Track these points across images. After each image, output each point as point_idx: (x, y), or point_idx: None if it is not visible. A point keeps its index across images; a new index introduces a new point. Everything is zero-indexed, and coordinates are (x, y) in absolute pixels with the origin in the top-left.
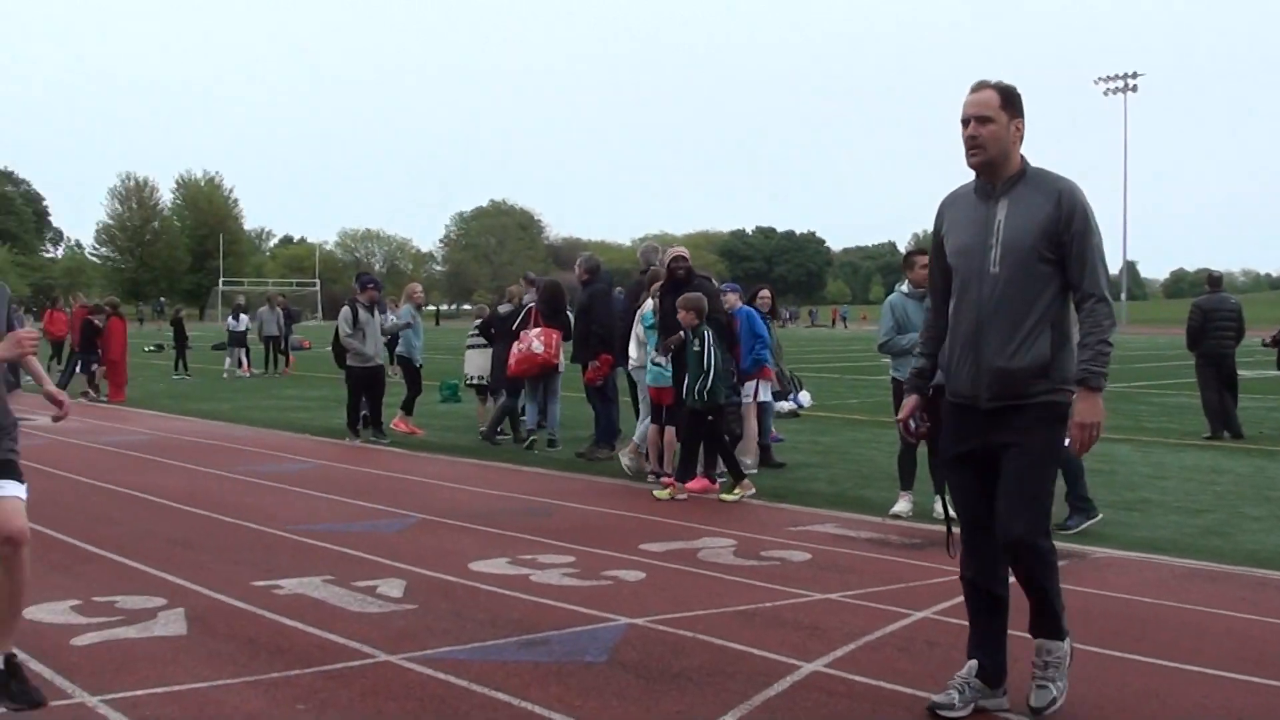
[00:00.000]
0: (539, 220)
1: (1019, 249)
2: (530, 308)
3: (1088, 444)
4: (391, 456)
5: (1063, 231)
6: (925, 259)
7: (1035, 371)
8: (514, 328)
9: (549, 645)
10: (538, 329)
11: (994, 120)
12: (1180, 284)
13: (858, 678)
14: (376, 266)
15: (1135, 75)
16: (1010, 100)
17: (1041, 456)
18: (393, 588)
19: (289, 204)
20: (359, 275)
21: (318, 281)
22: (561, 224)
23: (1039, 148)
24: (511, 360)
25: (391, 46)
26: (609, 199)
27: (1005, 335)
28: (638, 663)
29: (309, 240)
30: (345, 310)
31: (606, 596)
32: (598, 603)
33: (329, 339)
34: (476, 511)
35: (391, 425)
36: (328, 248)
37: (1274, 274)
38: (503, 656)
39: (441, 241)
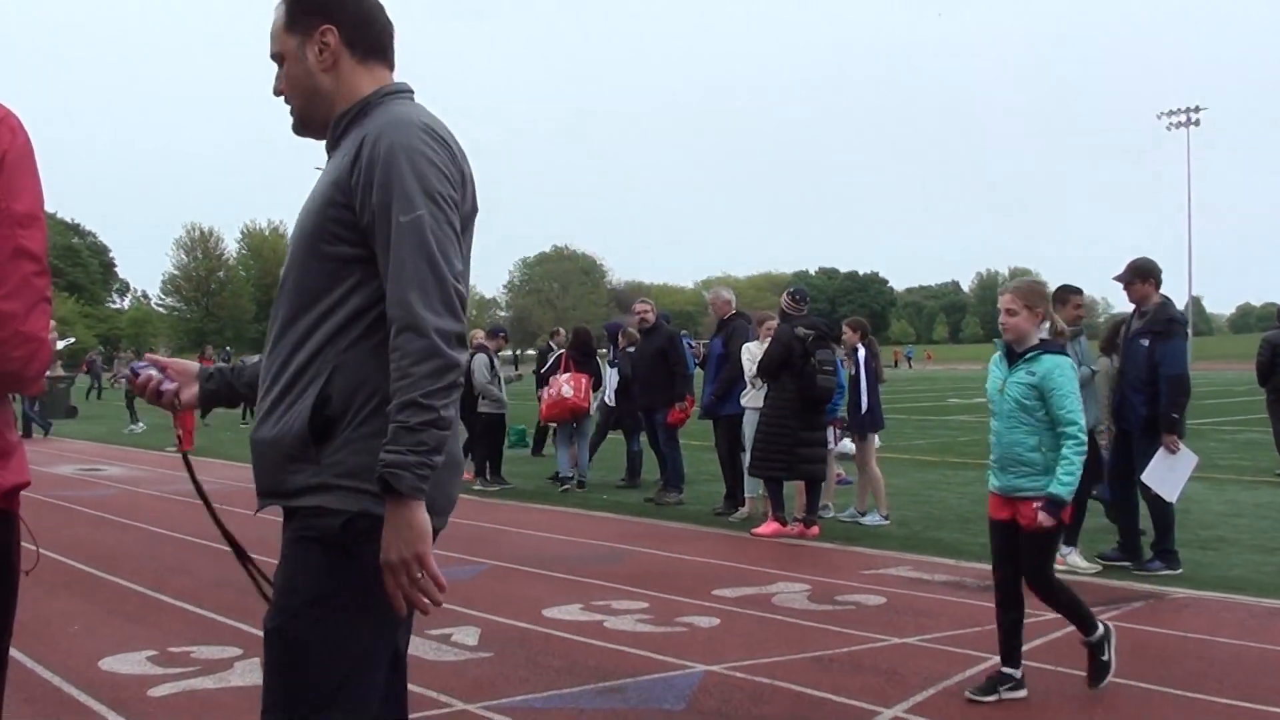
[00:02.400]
0: (601, 264)
1: (299, 237)
2: (561, 354)
3: (408, 594)
4: (462, 503)
5: (359, 199)
6: (1080, 297)
7: (291, 450)
8: (543, 372)
9: (625, 693)
10: (567, 374)
11: (285, 56)
12: (1247, 318)
13: None
14: None
15: (1198, 109)
16: (303, 9)
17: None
18: (468, 635)
19: None
20: (493, 326)
21: None
22: (623, 268)
23: (1103, 183)
24: (542, 406)
25: (449, 87)
26: (670, 242)
27: (268, 382)
28: (716, 710)
29: None
30: (483, 358)
31: (681, 643)
32: (673, 649)
33: None
34: (548, 557)
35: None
36: None
37: None
38: (579, 704)
39: (505, 287)
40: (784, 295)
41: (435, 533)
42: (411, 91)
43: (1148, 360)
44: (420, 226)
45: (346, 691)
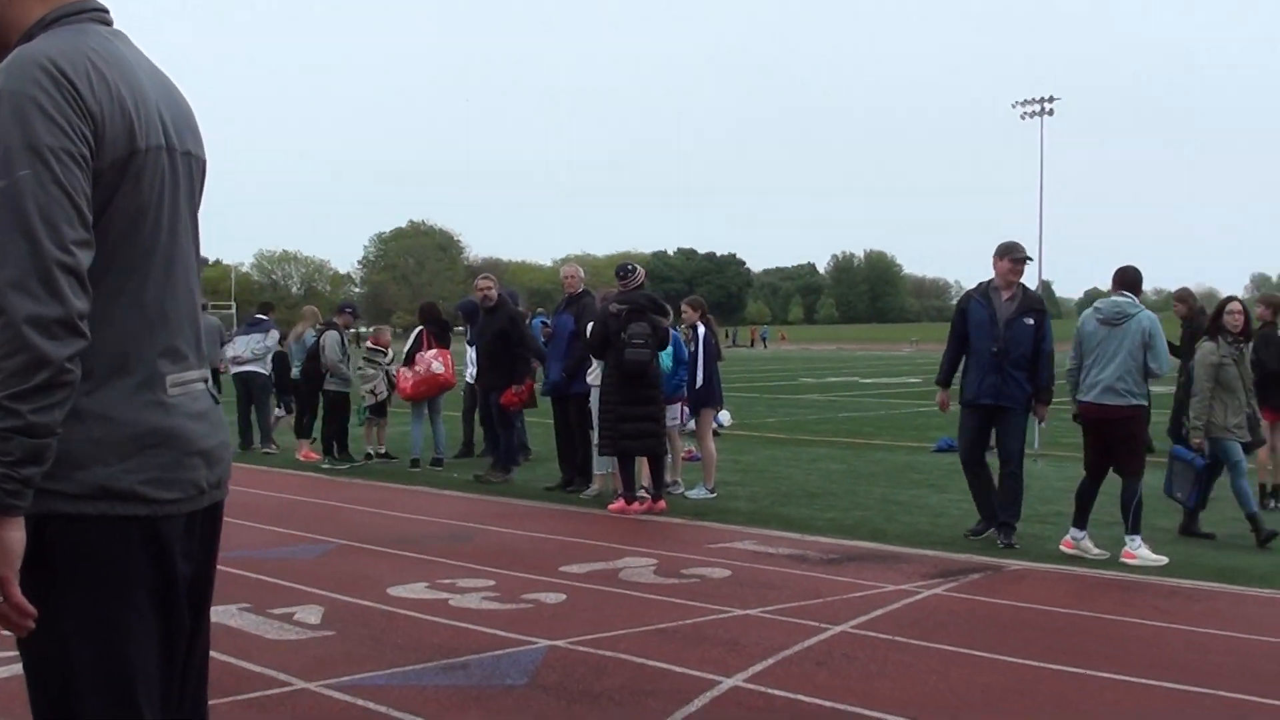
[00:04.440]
0: (458, 241)
1: None
2: (421, 330)
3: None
4: (308, 481)
5: None
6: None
7: None
8: (406, 351)
9: (468, 669)
10: (433, 350)
11: None
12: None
13: (776, 691)
14: (294, 289)
15: (1052, 99)
16: None
17: None
18: (310, 614)
19: (205, 226)
20: (342, 302)
21: (234, 304)
22: (482, 244)
23: (961, 171)
24: (408, 384)
25: (303, 64)
26: (529, 220)
27: None
28: (558, 684)
29: (224, 262)
30: (334, 335)
31: (527, 619)
32: (518, 626)
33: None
34: (395, 536)
35: (300, 455)
36: (243, 269)
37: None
38: (422, 681)
39: (360, 263)
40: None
41: (148, 521)
42: (97, 10)
43: (1032, 338)
44: (17, 192)
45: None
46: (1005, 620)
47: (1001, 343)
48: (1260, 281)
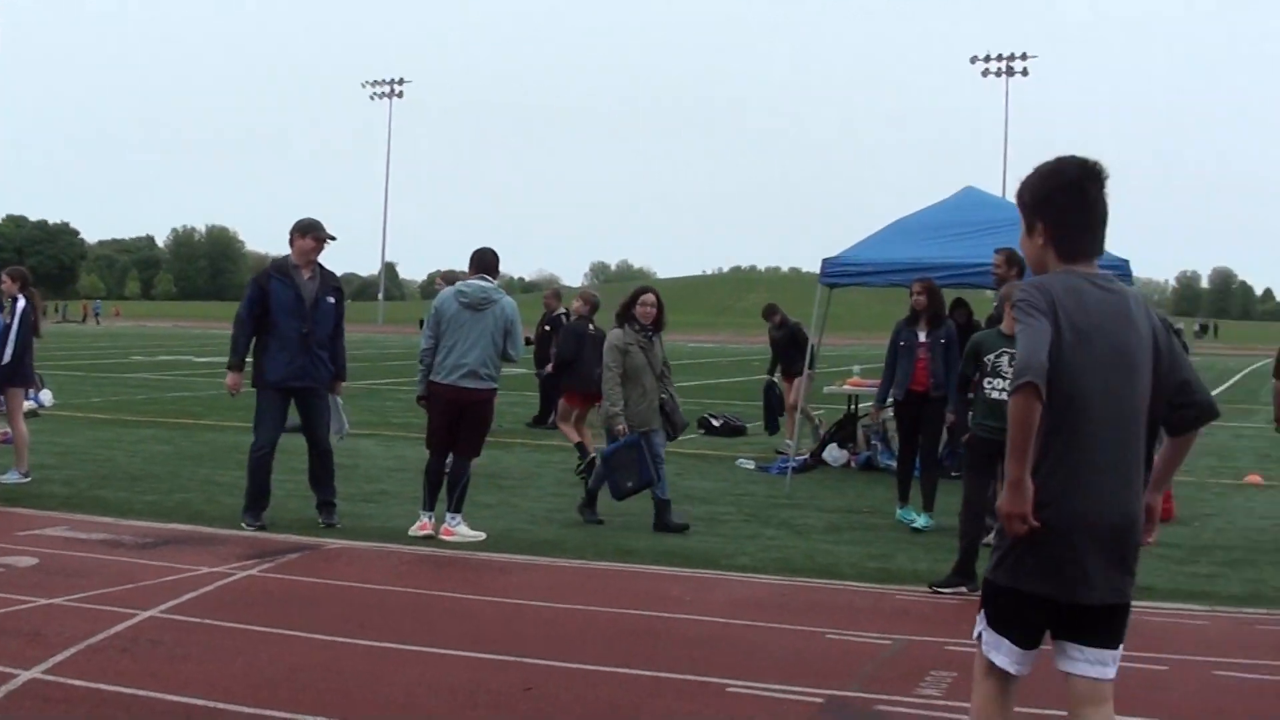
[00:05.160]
0: None
1: None
2: None
3: None
4: None
5: None
6: None
7: None
8: None
9: None
10: None
11: None
12: (433, 285)
13: (76, 681)
14: None
15: (402, 81)
16: None
17: None
18: None
19: None
20: None
21: None
22: None
23: (311, 150)
24: None
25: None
26: None
27: None
28: None
29: None
30: None
31: None
32: None
33: None
34: None
35: None
36: None
37: (528, 278)
38: None
39: None
40: None
41: None
42: None
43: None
44: None
45: None
46: (319, 598)
47: (310, 324)
48: (599, 270)
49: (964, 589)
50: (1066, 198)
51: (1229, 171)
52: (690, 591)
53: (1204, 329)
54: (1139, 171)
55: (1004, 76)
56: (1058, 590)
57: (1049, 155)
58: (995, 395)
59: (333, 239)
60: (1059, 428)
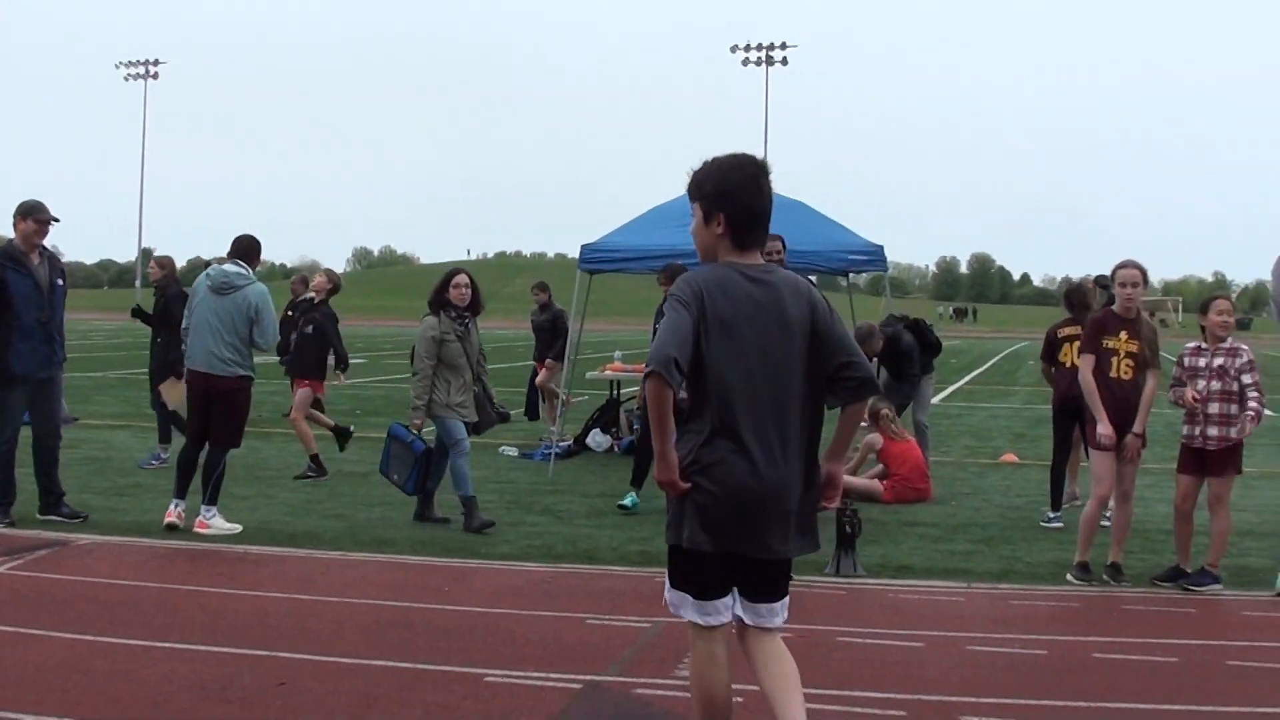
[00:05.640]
0: None
1: None
2: None
3: None
4: None
5: None
6: None
7: None
8: None
9: None
10: None
11: None
12: (197, 270)
13: None
14: None
15: (158, 62)
16: None
17: None
18: None
19: None
20: None
21: None
22: None
23: (71, 138)
24: None
25: None
26: None
27: None
28: None
29: None
30: None
31: None
32: None
33: None
34: None
35: None
36: None
37: (290, 264)
38: None
39: None
40: None
41: None
42: None
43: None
44: None
45: None
46: (68, 596)
47: (48, 311)
48: (361, 255)
49: None
50: (747, 192)
51: (989, 160)
52: (449, 581)
53: (963, 313)
54: (897, 159)
55: (764, 66)
56: (720, 547)
57: (810, 144)
58: None
59: (56, 220)
60: (710, 406)
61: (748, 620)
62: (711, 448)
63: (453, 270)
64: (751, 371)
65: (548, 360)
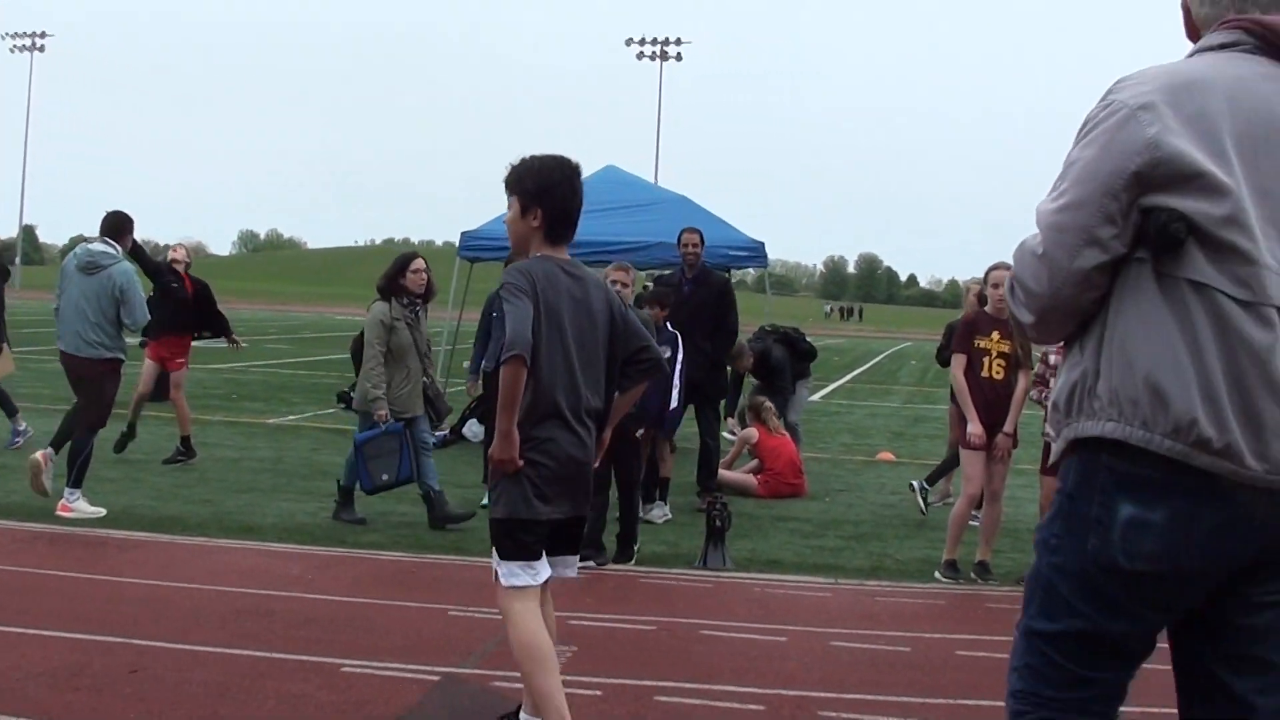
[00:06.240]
0: None
1: None
2: None
3: None
4: None
5: None
6: None
7: None
8: None
9: None
10: None
11: None
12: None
13: None
14: None
15: (44, 34)
16: None
17: None
18: None
19: None
20: None
21: None
22: None
23: None
24: None
25: None
26: None
27: None
28: None
29: None
30: None
31: None
32: None
33: None
34: None
35: None
36: None
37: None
38: None
39: None
40: None
41: None
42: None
43: None
44: None
45: None
46: None
47: None
48: (247, 238)
49: (591, 562)
50: (565, 190)
51: (877, 161)
52: (312, 570)
53: (848, 312)
54: (789, 158)
55: (659, 60)
56: (541, 512)
57: (702, 140)
58: None
59: None
60: (540, 387)
61: (555, 573)
62: (542, 426)
63: (409, 254)
64: (571, 357)
65: None
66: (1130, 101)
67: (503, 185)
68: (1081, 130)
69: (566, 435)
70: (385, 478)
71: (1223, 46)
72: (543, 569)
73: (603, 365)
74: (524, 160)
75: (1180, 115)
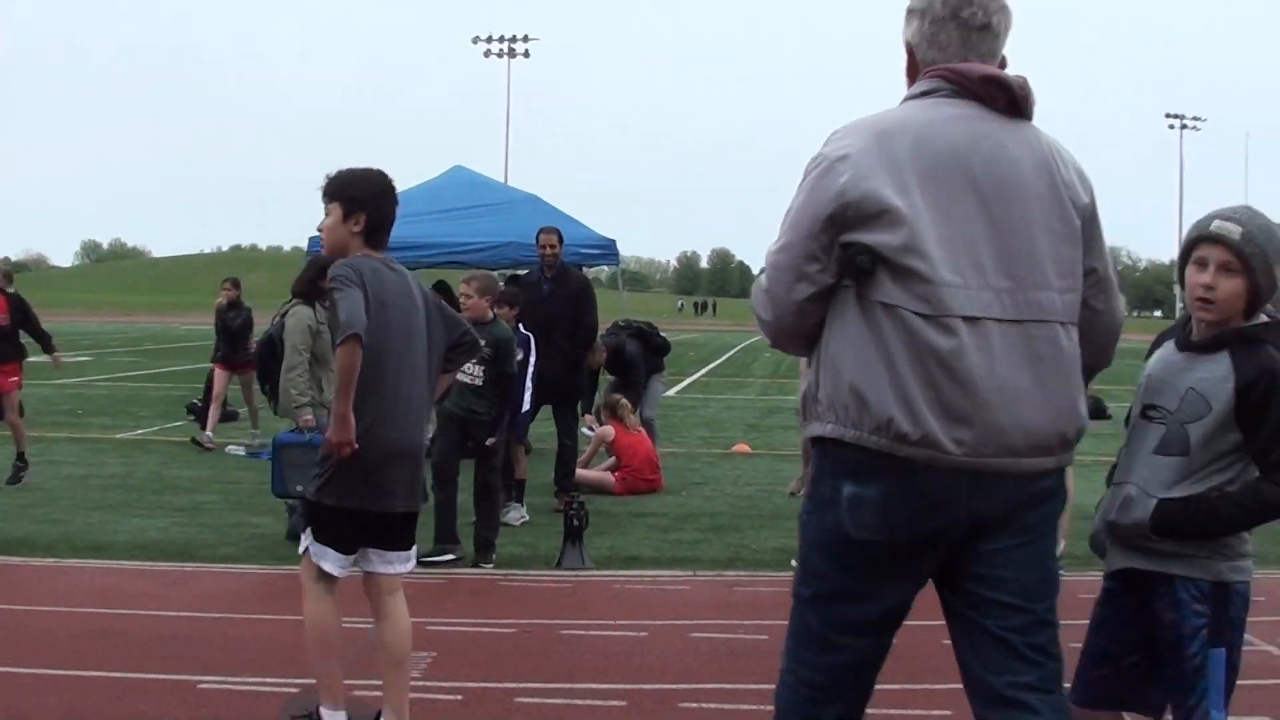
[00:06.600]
0: None
1: None
2: None
3: None
4: None
5: None
6: None
7: None
8: None
9: None
10: None
11: None
12: None
13: None
14: None
15: None
16: None
17: None
18: None
19: None
20: None
21: None
22: None
23: None
24: None
25: None
26: None
27: None
28: None
29: None
30: None
31: None
32: None
33: None
34: None
35: None
36: None
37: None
38: None
39: None
40: None
41: None
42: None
43: None
44: None
45: None
46: None
47: None
48: (90, 249)
49: (450, 555)
50: (386, 200)
51: (727, 155)
52: (165, 587)
53: (702, 307)
54: (639, 155)
55: (506, 58)
56: (369, 503)
57: (551, 138)
58: (464, 379)
59: None
60: (368, 377)
61: (379, 569)
62: (371, 412)
63: (325, 257)
64: (397, 346)
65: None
66: (830, 155)
67: (320, 194)
68: (800, 180)
69: (392, 424)
70: (299, 489)
71: (924, 94)
72: (343, 563)
73: (425, 351)
74: (342, 171)
75: (878, 160)
